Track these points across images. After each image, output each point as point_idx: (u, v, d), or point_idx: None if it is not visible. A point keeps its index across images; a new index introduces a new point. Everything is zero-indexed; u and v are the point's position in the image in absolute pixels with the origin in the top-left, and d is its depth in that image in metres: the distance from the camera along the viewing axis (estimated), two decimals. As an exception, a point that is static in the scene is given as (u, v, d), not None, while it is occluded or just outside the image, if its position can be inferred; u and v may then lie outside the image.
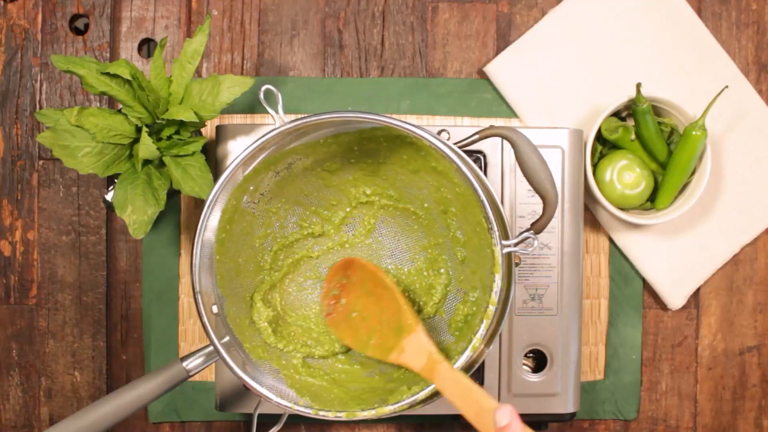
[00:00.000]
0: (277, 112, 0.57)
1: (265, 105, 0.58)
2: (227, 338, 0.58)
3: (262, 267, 0.66)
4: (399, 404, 0.56)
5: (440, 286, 0.65)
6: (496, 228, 0.55)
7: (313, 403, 0.58)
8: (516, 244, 0.55)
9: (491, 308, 0.56)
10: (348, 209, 0.67)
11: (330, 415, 0.56)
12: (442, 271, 0.66)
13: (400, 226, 0.67)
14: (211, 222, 0.59)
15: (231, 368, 0.57)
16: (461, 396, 0.52)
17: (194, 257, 0.57)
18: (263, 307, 0.64)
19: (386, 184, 0.65)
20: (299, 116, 0.56)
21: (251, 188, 0.62)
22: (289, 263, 0.67)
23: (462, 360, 0.56)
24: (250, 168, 0.59)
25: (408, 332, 0.58)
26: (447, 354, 0.61)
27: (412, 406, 0.56)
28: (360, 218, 0.68)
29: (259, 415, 0.62)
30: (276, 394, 0.57)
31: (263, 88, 0.59)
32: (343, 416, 0.56)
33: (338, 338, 0.64)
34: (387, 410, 0.56)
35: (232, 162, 0.56)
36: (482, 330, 0.56)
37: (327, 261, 0.68)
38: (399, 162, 0.63)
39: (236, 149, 0.69)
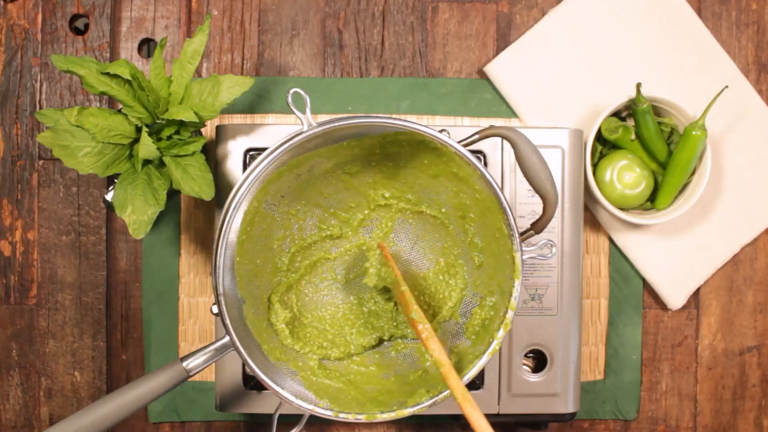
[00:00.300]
0: (305, 116, 0.57)
1: (292, 108, 0.57)
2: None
3: (279, 268, 0.66)
4: (419, 406, 0.57)
5: (456, 290, 0.66)
6: (517, 235, 0.57)
7: (332, 405, 0.58)
8: (536, 250, 0.57)
9: (510, 313, 0.57)
10: (366, 212, 0.67)
11: (350, 418, 0.57)
12: (458, 275, 0.66)
13: (417, 229, 0.68)
14: (234, 223, 0.59)
15: (255, 372, 0.57)
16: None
17: (218, 258, 0.57)
18: (281, 309, 0.65)
19: (405, 188, 0.66)
20: (328, 120, 0.56)
21: (273, 190, 0.62)
22: (306, 265, 0.67)
23: (482, 362, 0.57)
24: (274, 170, 0.59)
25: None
26: (465, 357, 0.62)
27: (431, 406, 0.57)
28: (378, 221, 0.68)
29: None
30: (296, 396, 0.58)
31: (291, 91, 0.58)
32: (363, 418, 0.57)
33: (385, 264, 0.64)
34: (406, 412, 0.57)
35: (261, 162, 0.56)
36: (501, 333, 0.58)
37: (344, 263, 0.68)
38: (419, 166, 0.63)
39: (236, 149, 0.69)
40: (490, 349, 0.58)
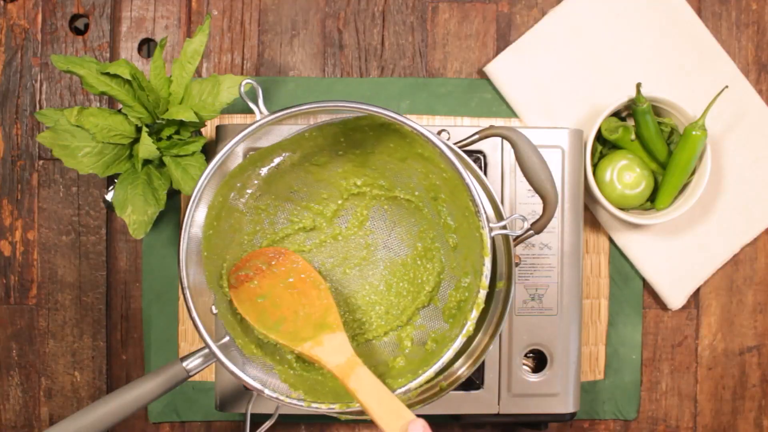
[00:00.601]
0: (257, 105, 0.57)
1: (245, 99, 0.57)
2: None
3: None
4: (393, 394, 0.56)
5: (433, 273, 0.65)
6: (483, 210, 0.55)
7: (306, 396, 0.57)
8: (503, 227, 0.56)
9: (482, 293, 0.55)
10: (340, 201, 0.67)
11: (323, 407, 0.56)
12: (435, 258, 0.65)
13: (393, 215, 0.67)
14: (197, 217, 0.59)
15: (221, 361, 0.56)
16: (378, 401, 0.53)
17: (180, 253, 0.56)
18: None
19: (376, 174, 0.65)
20: (279, 109, 0.56)
21: (238, 185, 0.61)
22: None
23: (456, 345, 0.56)
24: (236, 164, 0.59)
25: (332, 330, 0.59)
26: (442, 342, 0.61)
27: (406, 393, 0.56)
28: (352, 210, 0.67)
29: (256, 415, 0.62)
30: (269, 389, 0.56)
31: (243, 82, 0.58)
32: (336, 407, 0.56)
33: (239, 312, 0.62)
34: None
35: (215, 157, 0.56)
36: (474, 314, 0.56)
37: (320, 254, 0.68)
38: (387, 151, 0.63)
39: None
40: (464, 331, 0.56)
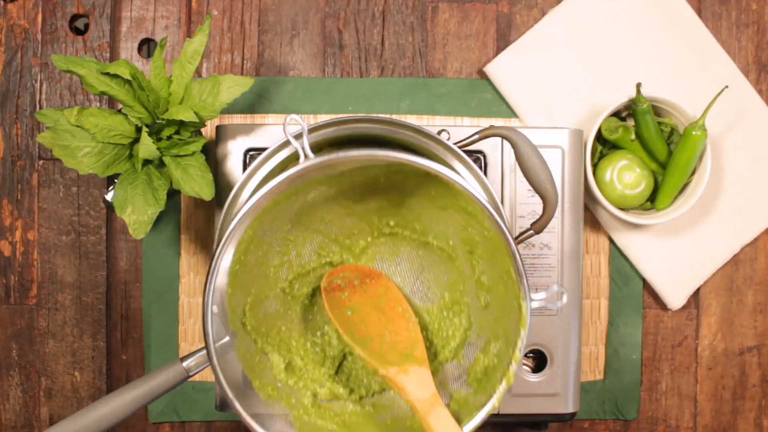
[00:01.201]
0: (303, 148, 0.52)
1: (289, 138, 0.52)
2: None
3: (276, 296, 0.62)
4: None
5: (460, 329, 0.62)
6: (526, 281, 0.53)
7: None
8: (545, 299, 0.53)
9: (513, 366, 0.53)
10: (369, 239, 0.63)
11: None
12: (463, 313, 0.62)
13: (422, 261, 0.64)
14: (223, 263, 0.54)
15: (240, 415, 0.54)
16: None
17: (207, 306, 0.52)
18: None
19: (411, 216, 0.62)
20: (326, 155, 0.52)
21: (270, 218, 0.57)
22: (303, 293, 0.63)
23: (481, 416, 0.54)
24: (271, 199, 0.54)
25: (418, 363, 0.56)
26: (465, 407, 0.58)
27: None
28: (381, 248, 0.64)
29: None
30: None
31: (288, 118, 0.53)
32: None
33: (331, 318, 0.60)
34: None
35: (250, 200, 0.52)
36: (503, 386, 0.54)
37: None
38: (427, 197, 0.59)
39: (236, 149, 0.69)
40: (489, 406, 0.54)
